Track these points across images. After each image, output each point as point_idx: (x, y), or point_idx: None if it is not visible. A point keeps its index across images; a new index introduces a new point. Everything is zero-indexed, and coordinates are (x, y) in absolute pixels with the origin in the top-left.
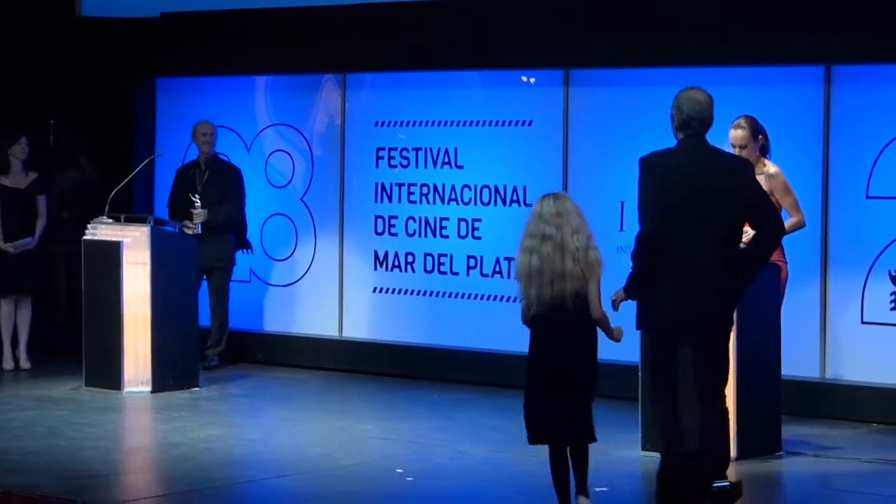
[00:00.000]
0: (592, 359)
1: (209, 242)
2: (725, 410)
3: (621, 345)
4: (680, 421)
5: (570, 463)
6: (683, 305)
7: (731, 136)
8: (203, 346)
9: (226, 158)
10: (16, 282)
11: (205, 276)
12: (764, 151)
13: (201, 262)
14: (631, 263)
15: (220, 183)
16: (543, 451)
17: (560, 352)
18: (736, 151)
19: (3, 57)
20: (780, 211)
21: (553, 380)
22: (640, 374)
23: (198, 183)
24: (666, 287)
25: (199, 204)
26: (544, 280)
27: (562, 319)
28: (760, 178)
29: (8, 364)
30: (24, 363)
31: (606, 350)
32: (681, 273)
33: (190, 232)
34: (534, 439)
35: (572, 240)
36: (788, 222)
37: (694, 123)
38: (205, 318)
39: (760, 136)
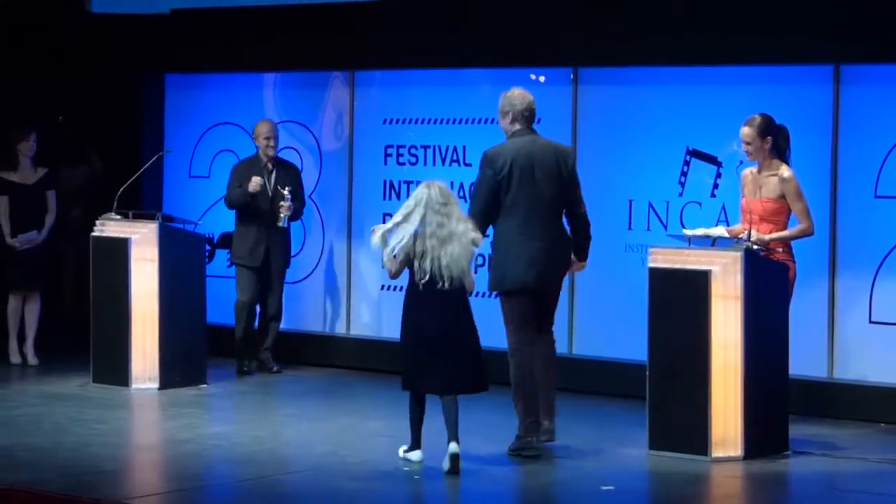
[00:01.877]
0: (470, 322)
1: (275, 240)
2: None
3: (625, 345)
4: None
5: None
6: (535, 266)
7: (739, 132)
8: (248, 347)
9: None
10: (24, 278)
11: (254, 272)
12: (780, 153)
13: (257, 261)
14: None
15: (287, 180)
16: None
17: (442, 317)
18: (743, 147)
19: (12, 53)
20: (789, 215)
21: (434, 340)
22: (647, 373)
23: (266, 180)
24: (519, 255)
25: (289, 198)
26: (434, 257)
27: (445, 291)
28: (773, 181)
29: (15, 359)
30: (32, 359)
31: (613, 350)
32: (528, 242)
33: (280, 224)
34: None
35: (457, 227)
36: (795, 228)
37: (527, 114)
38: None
39: (769, 138)
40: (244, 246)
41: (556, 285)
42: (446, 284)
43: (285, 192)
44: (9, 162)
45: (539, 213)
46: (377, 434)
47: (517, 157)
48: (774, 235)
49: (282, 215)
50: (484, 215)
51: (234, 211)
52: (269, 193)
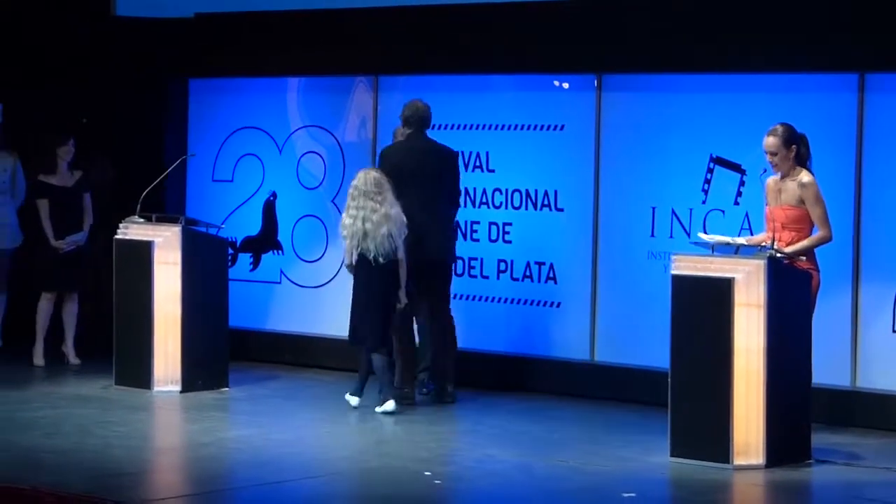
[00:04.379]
0: (395, 293)
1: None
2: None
3: (647, 352)
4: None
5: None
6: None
7: (763, 142)
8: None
9: None
10: (64, 278)
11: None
12: (802, 161)
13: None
14: None
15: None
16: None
17: (371, 289)
18: (767, 158)
19: (37, 56)
20: (812, 222)
21: (367, 307)
22: (669, 380)
23: None
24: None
25: None
26: (367, 238)
27: (375, 266)
28: (793, 186)
29: (38, 361)
30: (74, 359)
31: (635, 357)
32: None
33: None
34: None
35: (392, 210)
36: (813, 237)
37: (413, 120)
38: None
39: (794, 146)
40: None
41: None
42: (381, 260)
43: None
44: (48, 165)
45: None
46: (398, 439)
47: None
48: (792, 248)
49: None
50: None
51: None
52: None
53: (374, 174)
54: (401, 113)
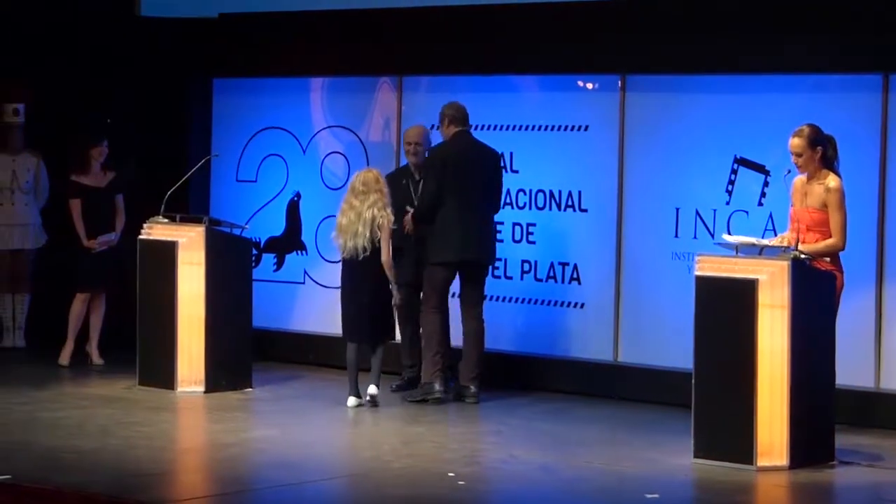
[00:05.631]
0: (384, 286)
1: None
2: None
3: (670, 353)
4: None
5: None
6: (464, 247)
7: (788, 143)
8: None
9: None
10: (95, 278)
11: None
12: (829, 163)
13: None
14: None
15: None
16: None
17: (361, 283)
18: (793, 159)
19: (61, 57)
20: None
21: (355, 300)
22: (692, 381)
23: (412, 192)
24: (449, 237)
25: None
26: (349, 236)
27: (362, 262)
28: (819, 189)
29: (64, 361)
30: (97, 359)
31: (659, 357)
32: (463, 224)
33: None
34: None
35: (368, 211)
36: (825, 242)
37: (459, 118)
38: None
39: (820, 148)
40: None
41: None
42: (360, 256)
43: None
44: (81, 165)
45: None
46: (422, 440)
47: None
48: (803, 248)
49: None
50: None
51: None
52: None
53: (365, 174)
54: (442, 112)
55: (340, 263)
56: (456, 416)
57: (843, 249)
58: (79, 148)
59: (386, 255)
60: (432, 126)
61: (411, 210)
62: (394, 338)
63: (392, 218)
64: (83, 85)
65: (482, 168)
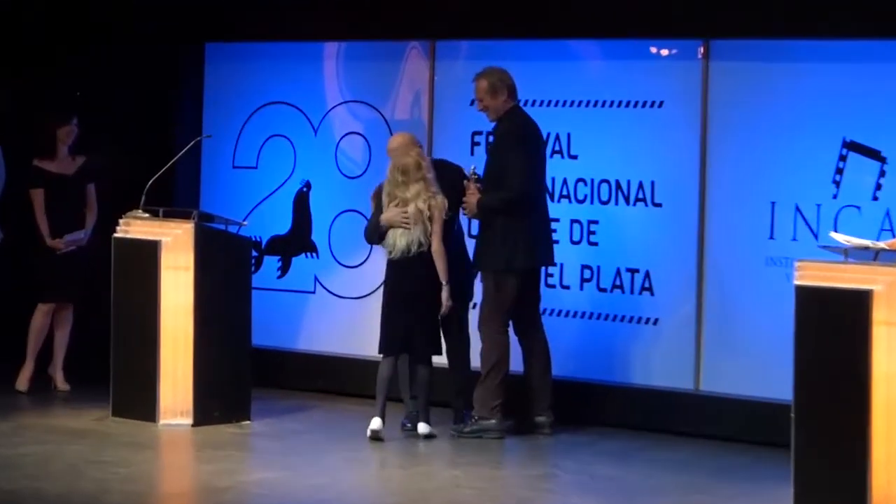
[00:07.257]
0: (433, 290)
1: None
2: None
3: (764, 381)
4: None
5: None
6: (548, 249)
7: None
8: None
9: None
10: (60, 286)
11: None
12: None
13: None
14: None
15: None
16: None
17: (410, 286)
18: None
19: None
20: None
21: (405, 307)
22: (792, 415)
23: None
24: (536, 235)
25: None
26: (398, 233)
27: (413, 263)
28: None
29: (22, 386)
30: (63, 384)
31: (749, 387)
32: (544, 223)
33: None
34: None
35: (412, 205)
36: None
37: (514, 91)
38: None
39: None
40: None
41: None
42: (412, 253)
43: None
44: (45, 148)
45: None
46: (458, 485)
47: None
48: None
49: None
50: None
51: None
52: None
53: (403, 160)
54: (496, 80)
55: (385, 265)
56: (499, 455)
57: None
58: (42, 128)
59: (437, 244)
60: (472, 101)
61: (477, 190)
62: (441, 353)
63: (445, 202)
64: (48, 56)
65: (544, 154)
